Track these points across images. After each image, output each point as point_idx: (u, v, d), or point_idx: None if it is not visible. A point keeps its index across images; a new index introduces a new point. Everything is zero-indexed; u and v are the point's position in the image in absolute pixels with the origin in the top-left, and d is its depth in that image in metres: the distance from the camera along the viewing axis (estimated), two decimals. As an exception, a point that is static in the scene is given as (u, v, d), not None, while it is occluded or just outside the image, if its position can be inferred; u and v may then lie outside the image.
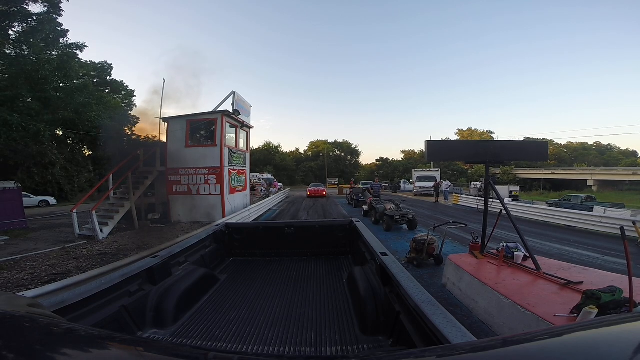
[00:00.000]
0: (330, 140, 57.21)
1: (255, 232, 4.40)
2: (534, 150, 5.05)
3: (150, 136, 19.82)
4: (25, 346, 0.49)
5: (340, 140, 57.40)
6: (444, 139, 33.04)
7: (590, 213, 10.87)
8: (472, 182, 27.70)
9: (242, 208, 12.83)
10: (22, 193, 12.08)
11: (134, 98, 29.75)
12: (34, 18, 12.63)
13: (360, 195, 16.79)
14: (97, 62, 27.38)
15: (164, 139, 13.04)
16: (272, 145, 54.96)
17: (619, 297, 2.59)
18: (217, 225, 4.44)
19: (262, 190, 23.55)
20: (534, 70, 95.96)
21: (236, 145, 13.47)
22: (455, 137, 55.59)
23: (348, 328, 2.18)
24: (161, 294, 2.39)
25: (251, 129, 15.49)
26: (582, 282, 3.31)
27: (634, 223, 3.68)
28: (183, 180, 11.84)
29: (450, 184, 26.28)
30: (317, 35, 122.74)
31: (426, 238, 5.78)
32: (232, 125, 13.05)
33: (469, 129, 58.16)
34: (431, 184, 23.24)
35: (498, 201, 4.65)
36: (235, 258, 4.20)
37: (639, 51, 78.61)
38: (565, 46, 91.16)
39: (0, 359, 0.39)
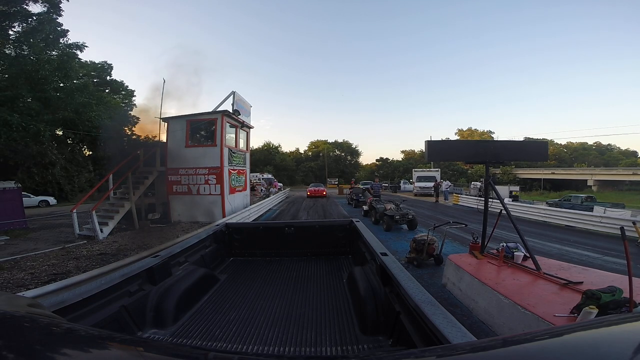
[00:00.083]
0: (330, 140, 57.31)
1: (255, 232, 4.40)
2: (534, 150, 5.05)
3: (150, 136, 19.81)
4: (25, 346, 0.49)
5: (340, 140, 57.50)
6: (444, 139, 33.07)
7: (590, 213, 10.86)
8: (472, 182, 27.69)
9: (242, 208, 12.83)
10: (22, 193, 12.08)
11: (134, 98, 29.75)
12: (34, 18, 12.63)
13: (360, 195, 16.79)
14: (97, 62, 27.41)
15: (164, 138, 13.05)
16: (272, 145, 55.03)
17: (619, 297, 2.59)
18: (217, 225, 4.44)
19: (262, 190, 23.55)
20: (534, 70, 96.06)
21: (236, 145, 13.47)
22: (455, 137, 55.65)
23: (348, 328, 2.18)
24: (161, 294, 2.39)
25: (251, 129, 15.49)
26: (582, 282, 3.31)
27: (634, 223, 3.68)
28: (183, 180, 11.84)
29: (450, 184, 26.28)
30: (317, 34, 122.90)
31: (426, 238, 5.78)
32: (232, 125, 13.05)
33: (469, 129, 58.19)
34: (431, 184, 23.24)
35: (498, 201, 4.65)
36: (235, 258, 4.20)
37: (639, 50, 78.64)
38: (565, 45, 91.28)
39: (0, 359, 0.39)
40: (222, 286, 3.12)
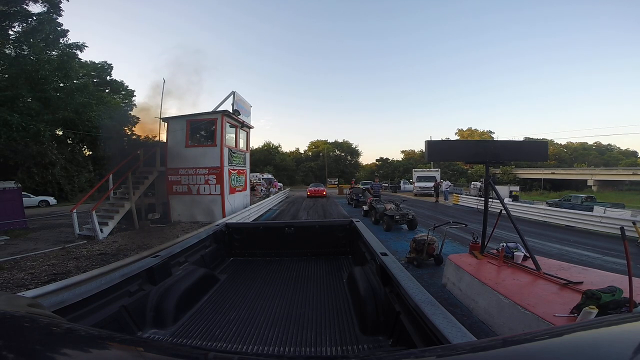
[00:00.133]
0: (330, 140, 57.33)
1: (255, 232, 4.40)
2: (534, 150, 5.05)
3: (150, 136, 19.82)
4: (25, 346, 0.49)
5: (340, 140, 57.51)
6: (444, 138, 33.08)
7: (590, 213, 10.87)
8: (472, 182, 27.69)
9: (242, 208, 12.83)
10: (22, 193, 12.09)
11: (134, 98, 29.75)
12: (34, 18, 12.62)
13: (360, 195, 16.79)
14: (97, 62, 27.42)
15: (164, 138, 13.05)
16: (272, 145, 55.04)
17: (619, 297, 2.59)
18: (217, 225, 4.44)
19: (262, 190, 23.56)
20: (534, 70, 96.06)
21: (236, 145, 13.47)
22: (455, 137, 55.66)
23: (348, 328, 2.18)
24: (161, 294, 2.39)
25: (251, 129, 15.49)
26: (582, 282, 3.31)
27: (634, 223, 3.68)
28: (183, 180, 11.85)
29: (450, 184, 26.28)
30: (316, 33, 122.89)
31: (426, 238, 5.78)
32: (232, 125, 13.05)
33: (469, 129, 58.20)
34: (431, 184, 23.24)
35: (498, 201, 4.65)
36: (235, 258, 4.20)
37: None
38: (565, 45, 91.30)
39: (0, 359, 0.39)
40: (222, 286, 3.12)
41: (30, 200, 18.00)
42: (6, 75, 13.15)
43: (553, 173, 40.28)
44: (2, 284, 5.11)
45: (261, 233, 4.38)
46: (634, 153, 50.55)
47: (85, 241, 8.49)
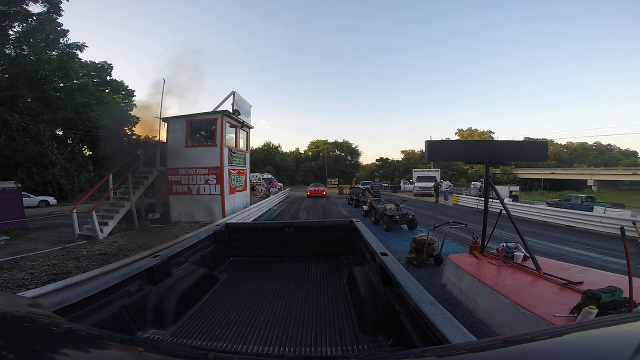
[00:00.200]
0: (330, 140, 57.33)
1: (255, 232, 4.40)
2: (534, 150, 5.05)
3: (150, 136, 19.82)
4: (25, 346, 0.49)
5: (340, 140, 57.51)
6: (444, 138, 33.09)
7: (590, 213, 10.87)
8: (472, 182, 27.69)
9: (242, 208, 12.83)
10: (22, 193, 12.08)
11: (134, 98, 29.74)
12: (34, 18, 12.63)
13: (360, 195, 16.79)
14: (97, 62, 27.42)
15: (164, 138, 13.05)
16: (272, 145, 55.04)
17: (619, 297, 2.59)
18: (217, 225, 4.44)
19: (262, 190, 23.57)
20: (534, 70, 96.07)
21: (236, 145, 13.47)
22: (455, 137, 55.67)
23: (348, 328, 2.18)
24: (161, 294, 2.39)
25: (251, 129, 15.50)
26: (582, 282, 3.32)
27: (634, 223, 3.68)
28: (183, 180, 11.85)
29: (450, 184, 26.28)
30: (316, 32, 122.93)
31: (426, 238, 5.78)
32: (232, 125, 13.05)
33: (469, 129, 58.21)
34: (431, 184, 23.24)
35: (498, 201, 4.65)
36: (235, 258, 4.20)
37: None
38: (565, 44, 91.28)
39: (0, 359, 0.39)
40: (222, 286, 3.12)
41: (30, 200, 17.99)
42: (6, 75, 13.16)
43: (553, 173, 40.28)
44: (2, 284, 5.12)
45: (261, 233, 4.38)
46: (634, 153, 50.58)
47: (85, 241, 8.49)
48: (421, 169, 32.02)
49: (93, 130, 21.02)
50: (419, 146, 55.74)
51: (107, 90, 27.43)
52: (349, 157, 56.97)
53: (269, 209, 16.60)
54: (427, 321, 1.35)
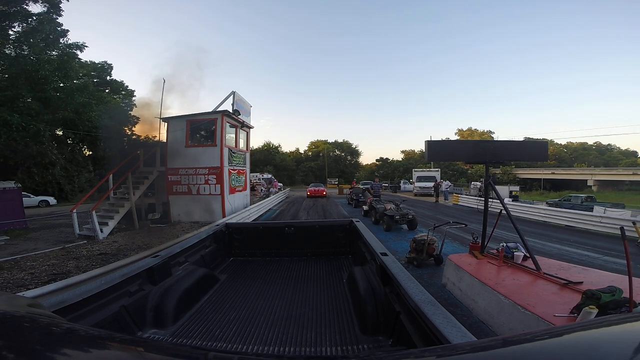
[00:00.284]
0: (330, 140, 57.34)
1: (255, 232, 4.40)
2: (534, 150, 5.06)
3: (150, 136, 19.82)
4: (25, 346, 0.49)
5: (340, 140, 57.52)
6: (443, 138, 33.10)
7: (590, 213, 10.87)
8: (472, 182, 27.70)
9: (242, 208, 12.83)
10: (22, 193, 12.08)
11: (134, 98, 29.74)
12: (34, 18, 12.62)
13: (360, 195, 16.80)
14: (97, 62, 27.43)
15: (164, 138, 13.05)
16: (272, 145, 55.04)
17: (619, 297, 2.59)
18: (217, 225, 4.44)
19: (262, 190, 23.57)
20: (534, 70, 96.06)
21: (236, 145, 13.47)
22: (455, 137, 55.69)
23: (348, 328, 2.18)
24: (161, 294, 2.39)
25: (251, 129, 15.50)
26: (582, 282, 3.32)
27: (634, 223, 3.68)
28: (183, 180, 11.85)
29: (450, 184, 26.29)
30: (315, 31, 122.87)
31: (426, 238, 5.78)
32: (232, 125, 13.05)
33: (469, 129, 58.21)
34: (431, 184, 23.24)
35: (498, 201, 4.65)
36: (235, 258, 4.20)
37: None
38: (565, 44, 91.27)
39: (0, 359, 0.39)
40: (222, 286, 3.12)
41: (30, 200, 17.99)
42: (6, 75, 13.15)
43: (553, 173, 40.29)
44: (2, 284, 5.11)
45: (261, 233, 4.38)
46: (634, 153, 50.58)
47: (85, 241, 8.49)
48: (421, 169, 32.02)
49: (93, 130, 21.01)
50: (419, 146, 55.80)
51: (107, 90, 27.43)
52: (349, 157, 56.97)
53: (269, 209, 16.59)
54: (427, 321, 1.35)
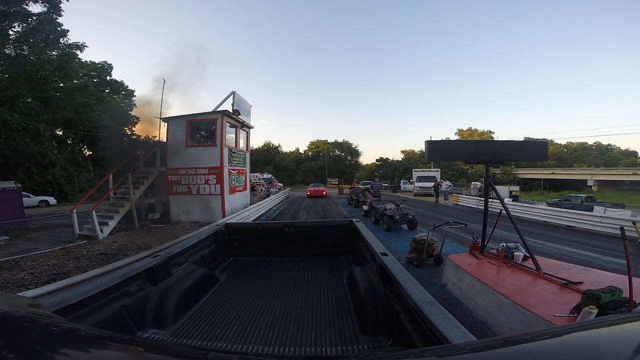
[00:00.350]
0: (330, 140, 57.34)
1: (255, 232, 4.40)
2: (534, 150, 5.05)
3: (150, 135, 19.82)
4: (25, 346, 0.49)
5: (340, 140, 57.52)
6: (444, 138, 33.12)
7: (590, 213, 10.87)
8: (472, 182, 27.70)
9: (242, 208, 12.83)
10: (22, 193, 12.08)
11: (133, 98, 29.73)
12: (34, 18, 12.61)
13: (360, 195, 16.80)
14: (97, 62, 27.43)
15: (163, 137, 13.06)
16: (272, 145, 55.03)
17: (619, 297, 2.59)
18: (217, 225, 4.43)
19: (262, 190, 23.57)
20: (534, 70, 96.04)
21: (236, 145, 13.47)
22: (455, 137, 55.69)
23: (348, 328, 2.18)
24: (161, 294, 2.39)
25: (251, 129, 15.50)
26: (582, 282, 3.32)
27: (634, 223, 3.68)
28: (183, 180, 11.85)
29: (450, 184, 26.29)
30: (315, 30, 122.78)
31: (426, 238, 5.78)
32: (232, 125, 13.05)
33: (469, 129, 58.22)
34: (431, 184, 23.24)
35: (498, 201, 4.65)
36: (235, 258, 4.20)
37: None
38: (565, 44, 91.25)
39: (0, 359, 0.39)
40: (222, 286, 3.12)
41: (30, 200, 17.99)
42: (6, 75, 13.14)
43: (553, 173, 40.29)
44: (2, 284, 5.11)
45: (261, 233, 4.38)
46: (634, 153, 50.59)
47: (85, 241, 8.49)
48: (421, 169, 32.01)
49: (93, 130, 21.01)
50: (419, 146, 55.80)
51: (107, 90, 27.43)
52: (349, 157, 56.96)
53: (269, 209, 16.59)
54: (427, 321, 1.35)
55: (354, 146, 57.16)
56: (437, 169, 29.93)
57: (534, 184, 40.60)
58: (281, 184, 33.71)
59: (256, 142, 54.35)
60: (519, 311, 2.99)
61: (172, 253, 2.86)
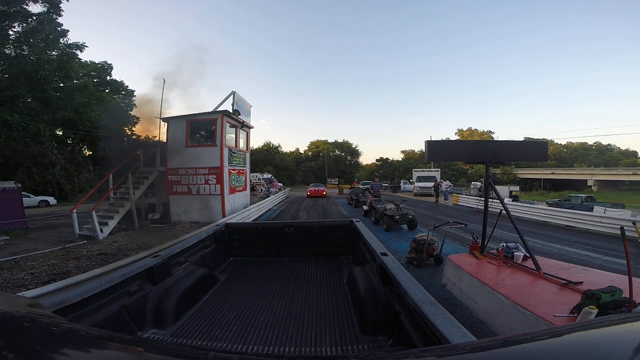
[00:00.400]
0: (330, 140, 57.34)
1: (255, 232, 4.40)
2: (534, 150, 5.06)
3: (150, 135, 19.82)
4: (25, 346, 0.49)
5: (340, 140, 57.53)
6: (444, 138, 33.12)
7: (590, 213, 10.87)
8: (472, 182, 27.70)
9: (242, 208, 12.83)
10: (22, 193, 12.08)
11: (133, 98, 29.72)
12: (34, 18, 12.62)
13: (360, 195, 16.80)
14: (97, 62, 27.42)
15: (163, 138, 13.06)
16: (272, 145, 55.04)
17: (619, 297, 2.59)
18: (217, 225, 4.43)
19: (262, 190, 23.57)
20: (534, 70, 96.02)
21: (236, 145, 13.47)
22: (455, 137, 55.69)
23: (348, 328, 2.18)
24: (161, 294, 2.39)
25: (251, 129, 15.50)
26: (582, 282, 3.32)
27: (633, 223, 3.68)
28: (183, 180, 11.85)
29: (450, 184, 26.28)
30: (315, 30, 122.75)
31: (426, 238, 5.78)
32: (232, 125, 13.05)
33: (469, 129, 58.21)
34: (431, 184, 23.24)
35: (498, 201, 4.65)
36: (235, 258, 4.20)
37: None
38: (565, 44, 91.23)
39: (0, 359, 0.39)
40: (222, 286, 3.12)
41: (30, 200, 17.99)
42: (6, 75, 13.14)
43: (553, 173, 40.29)
44: (2, 284, 5.11)
45: (261, 233, 4.38)
46: (634, 153, 50.59)
47: (85, 241, 8.49)
48: (421, 169, 32.01)
49: (93, 130, 21.02)
50: (419, 146, 55.81)
51: (107, 90, 27.43)
52: (349, 157, 56.97)
53: (269, 209, 16.59)
54: (427, 321, 1.35)
55: (354, 146, 57.24)
56: (437, 169, 29.93)
57: (534, 184, 40.60)
58: (281, 184, 33.71)
59: (256, 142, 54.44)
60: (519, 311, 2.99)
61: (172, 253, 2.86)
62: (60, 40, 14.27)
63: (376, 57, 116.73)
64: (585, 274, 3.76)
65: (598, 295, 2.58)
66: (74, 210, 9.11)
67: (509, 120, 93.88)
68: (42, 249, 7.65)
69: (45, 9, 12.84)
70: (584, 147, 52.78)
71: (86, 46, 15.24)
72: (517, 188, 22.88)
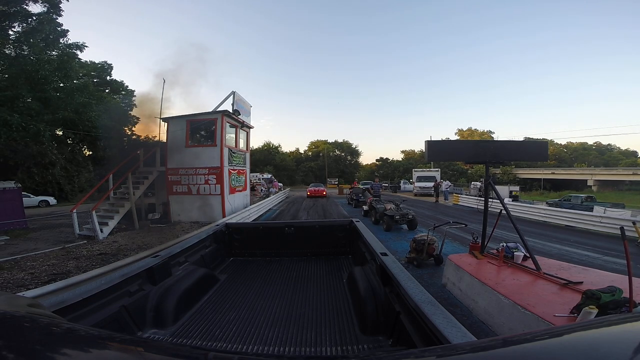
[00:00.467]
0: (330, 140, 57.34)
1: (255, 232, 4.40)
2: (534, 150, 5.06)
3: (150, 135, 19.82)
4: (25, 346, 0.49)
5: (340, 140, 57.53)
6: (444, 138, 33.14)
7: (590, 213, 10.87)
8: (472, 182, 27.70)
9: (242, 208, 12.83)
10: (22, 193, 12.08)
11: (133, 98, 29.70)
12: (34, 18, 12.63)
13: (360, 195, 16.80)
14: (97, 62, 27.42)
15: (163, 138, 13.06)
16: (272, 145, 55.03)
17: (619, 297, 2.59)
18: (217, 225, 4.43)
19: (262, 190, 23.57)
20: (534, 70, 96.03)
21: (236, 145, 13.47)
22: (455, 137, 55.69)
23: (348, 328, 2.18)
24: (161, 294, 2.39)
25: (251, 129, 15.50)
26: (582, 282, 3.32)
27: (633, 223, 3.68)
28: (183, 180, 11.85)
29: (450, 184, 26.28)
30: (315, 30, 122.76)
31: (426, 238, 5.78)
32: (232, 125, 13.05)
33: (469, 129, 58.22)
34: (431, 184, 23.24)
35: (498, 201, 4.65)
36: (235, 258, 4.20)
37: None
38: (565, 44, 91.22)
39: (0, 359, 0.39)
40: (222, 286, 3.12)
41: (30, 200, 17.98)
42: (6, 75, 13.15)
43: (553, 173, 40.29)
44: (2, 284, 5.11)
45: (261, 233, 4.38)
46: (634, 153, 50.59)
47: (85, 241, 8.49)
48: (421, 169, 32.01)
49: (93, 130, 21.03)
50: (419, 146, 55.79)
51: (107, 90, 27.43)
52: (349, 157, 56.97)
53: (269, 209, 16.59)
54: (427, 321, 1.35)
55: (354, 146, 57.24)
56: (437, 169, 29.92)
57: (534, 184, 40.60)
58: (281, 184, 33.71)
59: (256, 142, 54.42)
60: (519, 311, 2.99)
61: (172, 253, 2.86)
62: (60, 40, 14.29)
63: (376, 57, 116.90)
64: (585, 274, 3.76)
65: (598, 295, 2.58)
66: (74, 210, 9.11)
67: (509, 120, 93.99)
68: (42, 249, 7.65)
69: (45, 9, 12.86)
70: (584, 147, 52.78)
71: (86, 46, 15.28)
72: (517, 188, 22.88)
